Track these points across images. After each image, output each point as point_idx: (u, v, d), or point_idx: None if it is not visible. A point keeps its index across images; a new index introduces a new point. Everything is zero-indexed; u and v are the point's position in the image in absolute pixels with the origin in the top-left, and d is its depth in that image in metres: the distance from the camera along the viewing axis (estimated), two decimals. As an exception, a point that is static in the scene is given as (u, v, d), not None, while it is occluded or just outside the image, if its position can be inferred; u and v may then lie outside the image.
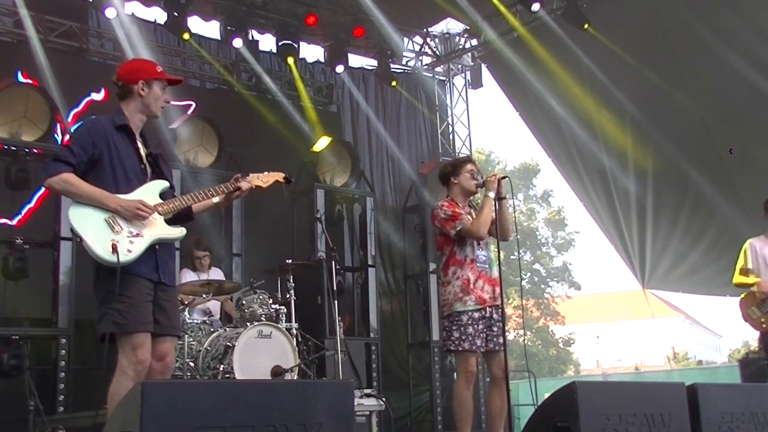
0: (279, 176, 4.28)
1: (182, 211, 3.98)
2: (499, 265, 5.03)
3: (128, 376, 3.59)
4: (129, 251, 3.65)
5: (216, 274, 7.54)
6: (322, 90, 10.95)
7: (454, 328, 4.97)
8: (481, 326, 4.95)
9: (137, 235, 3.72)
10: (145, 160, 3.92)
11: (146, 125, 4.03)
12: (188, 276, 7.33)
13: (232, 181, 4.10)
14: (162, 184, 3.93)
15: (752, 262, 6.48)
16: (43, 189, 7.29)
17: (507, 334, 5.04)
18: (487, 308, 4.99)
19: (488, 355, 5.05)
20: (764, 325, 6.43)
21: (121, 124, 3.87)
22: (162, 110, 4.03)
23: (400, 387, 10.18)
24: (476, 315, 4.95)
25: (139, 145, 3.93)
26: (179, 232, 3.91)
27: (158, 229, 3.80)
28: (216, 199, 4.08)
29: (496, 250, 5.11)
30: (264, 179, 4.21)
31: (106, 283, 3.64)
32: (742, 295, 6.60)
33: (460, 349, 4.94)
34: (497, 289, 5.03)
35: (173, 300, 3.96)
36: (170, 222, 3.89)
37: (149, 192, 3.85)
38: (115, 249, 3.59)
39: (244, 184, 4.08)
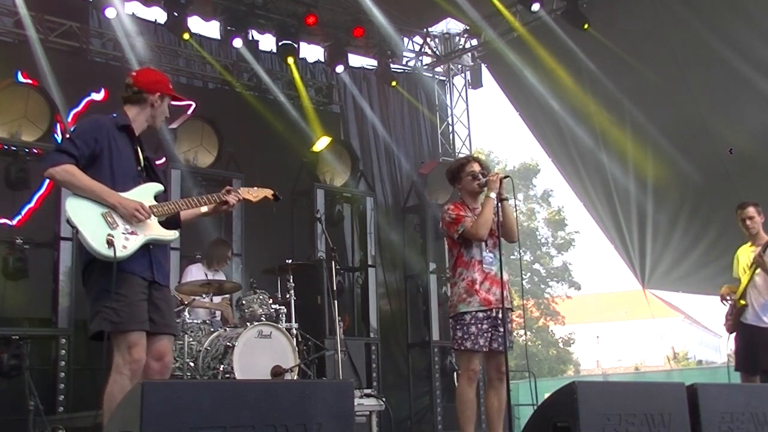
0: (268, 192, 4.36)
1: (171, 218, 4.03)
2: (501, 267, 5.03)
3: (124, 375, 3.61)
4: (124, 247, 3.69)
5: (220, 277, 7.56)
6: (323, 90, 10.95)
7: (458, 327, 5.00)
8: (485, 326, 4.96)
9: (132, 232, 3.76)
10: (142, 163, 3.98)
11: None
12: (195, 271, 7.39)
13: (222, 192, 4.16)
14: (157, 187, 3.99)
15: (735, 272, 6.70)
16: (43, 189, 7.30)
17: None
18: (494, 309, 4.99)
19: (490, 354, 5.04)
20: (725, 326, 6.67)
21: (124, 124, 3.93)
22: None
23: (400, 387, 10.18)
24: (480, 315, 4.95)
25: (138, 147, 3.98)
26: (173, 234, 3.97)
27: (152, 230, 3.85)
28: (204, 209, 4.15)
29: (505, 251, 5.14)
30: (254, 194, 4.30)
31: (100, 280, 3.67)
32: None
33: (463, 348, 4.97)
34: (504, 292, 5.02)
35: (167, 299, 4.00)
36: (162, 225, 3.93)
37: (145, 193, 3.90)
38: (111, 244, 3.63)
39: (231, 198, 4.14)
